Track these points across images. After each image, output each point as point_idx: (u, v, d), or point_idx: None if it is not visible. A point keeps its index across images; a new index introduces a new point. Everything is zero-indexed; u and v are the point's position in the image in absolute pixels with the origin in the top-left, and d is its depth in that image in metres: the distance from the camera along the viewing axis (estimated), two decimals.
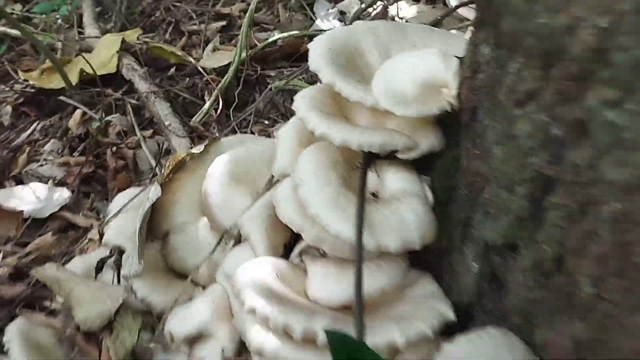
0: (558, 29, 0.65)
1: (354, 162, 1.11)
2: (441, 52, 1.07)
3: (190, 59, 2.14)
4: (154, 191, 1.20)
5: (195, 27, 2.44)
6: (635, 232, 0.71)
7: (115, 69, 2.09)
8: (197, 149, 1.31)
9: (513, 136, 0.82)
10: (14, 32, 2.32)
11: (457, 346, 0.92)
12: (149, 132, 1.90)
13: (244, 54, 1.98)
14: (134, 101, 2.01)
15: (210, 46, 2.26)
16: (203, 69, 2.10)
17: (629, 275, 0.75)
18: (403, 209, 1.02)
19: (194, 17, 2.52)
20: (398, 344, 0.95)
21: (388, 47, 1.22)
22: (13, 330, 1.16)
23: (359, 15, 2.06)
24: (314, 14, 2.46)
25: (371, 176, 1.13)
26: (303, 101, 1.10)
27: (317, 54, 1.14)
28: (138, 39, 2.21)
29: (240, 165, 1.24)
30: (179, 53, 2.18)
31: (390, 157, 1.10)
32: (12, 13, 2.53)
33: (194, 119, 1.89)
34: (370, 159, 1.11)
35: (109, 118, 1.92)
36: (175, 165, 1.28)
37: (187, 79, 2.12)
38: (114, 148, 1.81)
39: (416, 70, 1.06)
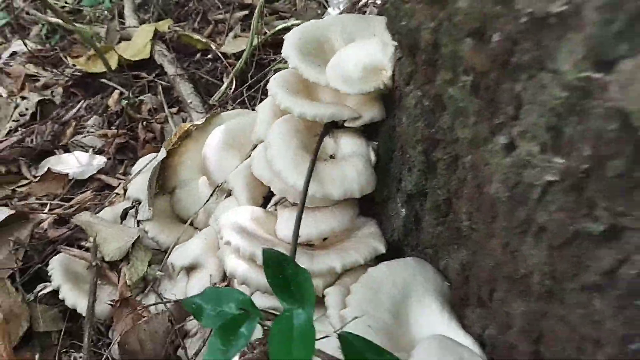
0: (412, 29, 0.91)
1: (316, 131, 1.39)
2: (382, 41, 1.32)
3: (213, 45, 2.44)
4: (161, 153, 1.51)
5: (220, 17, 2.74)
6: (481, 176, 0.97)
7: (148, 55, 2.41)
8: (200, 121, 1.62)
9: (407, 107, 1.08)
10: (68, 24, 2.68)
11: (378, 269, 1.20)
12: (175, 109, 2.22)
13: (256, 41, 2.27)
14: (164, 83, 2.33)
15: (231, 34, 2.56)
16: (223, 54, 2.40)
17: (483, 209, 1.00)
18: (346, 166, 1.29)
19: (221, 7, 2.82)
20: (336, 269, 1.23)
21: (353, 36, 1.47)
22: (55, 262, 1.50)
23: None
24: (327, 2, 2.71)
25: (330, 142, 1.41)
26: (275, 81, 1.38)
27: (289, 43, 1.41)
28: (169, 28, 2.53)
29: (232, 134, 1.53)
30: (204, 40, 2.48)
31: (343, 126, 1.37)
32: (64, 6, 2.89)
33: (212, 97, 2.20)
34: (329, 129, 1.38)
35: (141, 97, 2.25)
36: (182, 134, 1.59)
37: (210, 63, 2.43)
38: (145, 122, 2.13)
39: (360, 56, 1.32)
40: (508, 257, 0.99)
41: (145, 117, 2.18)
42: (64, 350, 1.45)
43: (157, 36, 2.48)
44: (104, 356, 1.38)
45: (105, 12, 2.82)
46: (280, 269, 0.99)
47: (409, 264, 1.22)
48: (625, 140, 0.72)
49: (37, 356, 1.42)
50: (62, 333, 1.46)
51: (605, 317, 0.90)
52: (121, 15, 2.79)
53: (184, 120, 2.18)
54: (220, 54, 2.39)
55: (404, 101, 1.11)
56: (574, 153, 0.78)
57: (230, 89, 2.20)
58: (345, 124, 1.34)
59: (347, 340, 0.93)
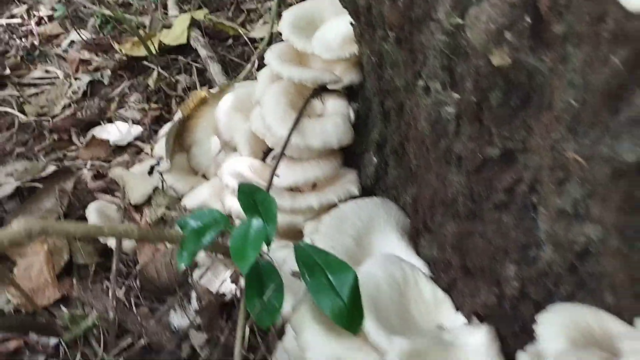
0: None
1: (306, 94, 1.61)
2: None
3: (241, 31, 2.70)
4: (177, 115, 1.77)
5: (253, 6, 3.01)
6: (416, 117, 1.17)
7: (185, 40, 2.69)
8: (214, 90, 1.87)
9: (364, 65, 1.29)
10: (118, 15, 3.01)
11: (347, 204, 1.41)
12: (205, 88, 2.49)
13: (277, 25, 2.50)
14: (198, 65, 2.61)
15: (261, 21, 2.82)
16: (252, 39, 2.66)
17: (421, 146, 1.20)
18: (327, 122, 1.51)
19: None
20: (314, 206, 1.45)
21: (340, 11, 1.69)
22: (92, 207, 1.78)
23: None
24: None
25: (318, 104, 1.63)
26: (270, 51, 1.62)
27: (284, 19, 1.64)
28: (205, 17, 2.81)
29: (240, 99, 1.78)
30: (235, 27, 2.75)
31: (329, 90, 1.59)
32: (117, 0, 3.23)
33: (238, 76, 2.45)
34: (317, 92, 1.60)
35: (177, 77, 2.53)
36: (199, 101, 1.84)
37: (240, 47, 2.69)
38: (178, 99, 2.41)
39: (340, 28, 1.53)
40: (440, 185, 1.19)
41: (179, 94, 2.45)
42: (97, 279, 1.73)
43: (194, 24, 2.76)
44: (127, 282, 1.65)
45: (152, 3, 3.12)
46: (252, 195, 1.22)
47: (375, 202, 1.42)
48: (494, 73, 0.92)
49: (74, 282, 1.71)
50: (95, 265, 1.74)
51: (509, 228, 1.09)
52: (165, 6, 3.09)
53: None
54: (248, 39, 2.65)
55: (362, 61, 1.32)
56: (464, 88, 0.98)
57: (254, 67, 2.44)
58: (328, 87, 1.56)
59: (300, 247, 1.15)
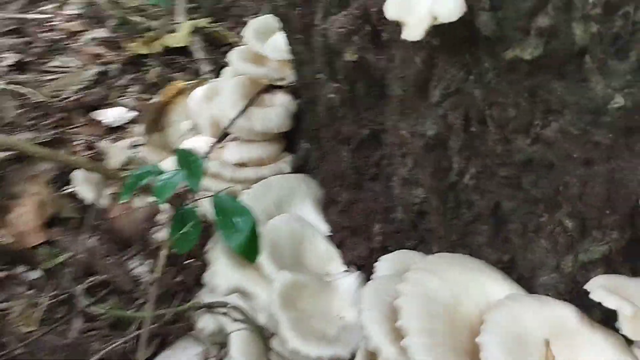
0: (272, 6, 1.46)
1: (259, 88, 1.94)
2: None
3: (235, 39, 3.05)
4: (155, 100, 2.12)
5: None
6: (317, 106, 1.48)
7: (186, 43, 3.06)
8: (189, 83, 2.22)
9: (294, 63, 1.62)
10: (133, 18, 3.41)
11: (275, 177, 1.72)
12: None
13: None
14: (193, 66, 2.97)
15: None
16: None
17: (324, 130, 1.51)
18: (271, 111, 1.84)
19: (258, 13, 3.44)
20: (251, 178, 1.77)
21: None
22: (77, 172, 2.13)
23: None
24: None
25: (270, 97, 1.95)
26: (234, 51, 1.96)
27: (249, 27, 1.99)
28: (206, 25, 3.17)
29: (209, 90, 2.11)
30: (232, 35, 3.11)
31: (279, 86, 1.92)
32: (134, 5, 3.63)
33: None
34: (269, 87, 1.93)
35: (173, 74, 2.89)
36: (178, 90, 2.19)
37: None
38: None
39: None
40: (337, 162, 1.50)
41: None
42: (76, 230, 2.06)
43: (196, 30, 3.13)
44: (98, 233, 1.99)
45: (164, 10, 3.50)
46: (186, 157, 1.55)
47: (298, 177, 1.74)
48: (356, 68, 1.23)
49: (56, 230, 2.05)
50: (76, 219, 2.08)
51: (379, 195, 1.40)
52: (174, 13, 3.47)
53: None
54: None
55: None
56: (339, 79, 1.30)
57: None
58: (278, 83, 1.89)
59: (218, 196, 1.47)
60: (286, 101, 1.88)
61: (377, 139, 1.34)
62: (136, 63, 3.07)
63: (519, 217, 1.07)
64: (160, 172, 1.49)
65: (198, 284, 1.65)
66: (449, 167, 1.14)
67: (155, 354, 1.58)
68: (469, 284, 1.08)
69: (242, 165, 1.88)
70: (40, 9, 3.81)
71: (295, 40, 1.45)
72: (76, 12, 3.73)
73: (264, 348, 1.36)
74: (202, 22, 3.20)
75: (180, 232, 1.43)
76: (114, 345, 1.57)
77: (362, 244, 1.45)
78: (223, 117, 1.85)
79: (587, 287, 0.96)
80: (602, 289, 0.94)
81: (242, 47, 1.99)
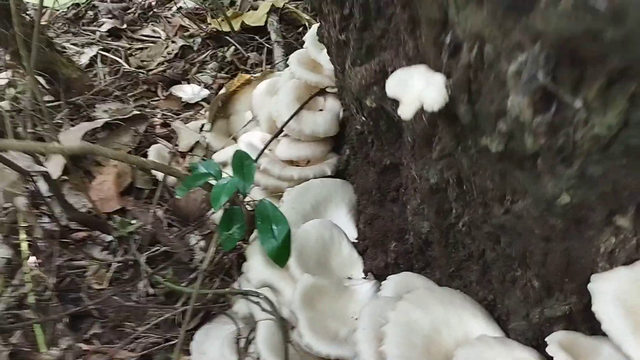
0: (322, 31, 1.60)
1: (312, 92, 2.10)
2: None
3: (310, 20, 3.19)
4: (222, 91, 2.33)
5: None
6: (352, 126, 1.63)
7: (263, 23, 3.24)
8: (256, 75, 2.40)
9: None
10: None
11: (314, 180, 1.90)
12: (269, 67, 3.03)
13: None
14: (268, 46, 3.15)
15: None
16: None
17: (357, 148, 1.67)
18: (319, 116, 2.00)
19: None
20: (294, 177, 1.96)
21: None
22: (153, 148, 2.39)
23: None
24: None
25: (321, 100, 2.11)
26: (293, 56, 2.12)
27: (309, 33, 2.12)
28: (284, 6, 3.33)
29: (271, 85, 2.29)
30: (307, 17, 3.25)
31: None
32: None
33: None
34: (322, 92, 2.09)
35: (249, 54, 3.09)
36: (245, 81, 2.39)
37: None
38: (245, 72, 2.97)
39: None
40: (365, 179, 1.66)
41: (246, 69, 3.01)
42: (147, 201, 2.35)
43: (274, 10, 3.29)
44: (165, 207, 2.26)
45: None
46: (241, 160, 1.75)
47: (337, 182, 1.91)
48: (378, 109, 1.37)
49: (131, 200, 2.34)
50: (149, 190, 2.36)
51: (396, 217, 1.55)
52: None
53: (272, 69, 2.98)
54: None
55: None
56: (365, 114, 1.44)
57: None
58: (328, 90, 2.05)
59: (262, 203, 1.68)
60: (335, 107, 2.03)
61: (396, 169, 1.48)
62: (216, 38, 3.29)
63: (498, 267, 1.20)
64: (219, 174, 1.70)
65: (240, 268, 1.89)
66: (450, 209, 1.28)
67: (198, 325, 1.84)
68: (451, 318, 1.23)
69: (290, 162, 2.07)
70: None
71: (335, 69, 1.60)
72: None
73: (284, 338, 1.58)
74: (279, 1, 3.34)
75: (228, 232, 1.64)
76: (167, 315, 1.85)
77: (380, 256, 1.62)
78: (278, 116, 2.03)
79: (547, 339, 1.09)
80: (556, 344, 1.07)
81: (302, 50, 2.14)
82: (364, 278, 1.66)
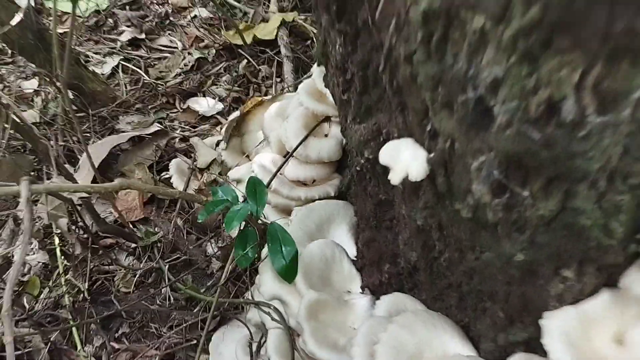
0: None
1: (319, 119, 2.33)
2: None
3: (315, 33, 3.40)
4: (236, 113, 2.56)
5: None
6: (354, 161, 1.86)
7: (274, 36, 3.44)
8: (268, 97, 2.63)
9: None
10: (231, 1, 3.80)
11: (318, 202, 2.14)
12: (279, 80, 3.25)
13: None
14: (278, 59, 3.36)
15: None
16: None
17: (357, 179, 1.90)
18: (324, 142, 2.23)
19: None
20: (301, 198, 2.20)
21: None
22: (173, 162, 2.63)
23: None
24: None
25: (327, 127, 2.34)
26: (302, 86, 2.34)
27: (315, 66, 2.35)
28: (293, 19, 3.53)
29: (282, 108, 2.52)
30: (314, 30, 3.45)
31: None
32: None
33: (304, 76, 3.18)
34: (327, 119, 2.32)
35: (260, 67, 3.30)
36: (257, 103, 2.61)
37: (314, 50, 3.40)
38: (256, 85, 3.19)
39: None
40: (363, 206, 1.90)
41: (258, 81, 3.23)
42: (168, 211, 2.59)
43: (284, 23, 3.50)
44: (185, 218, 2.50)
45: None
46: (254, 186, 1.99)
47: (338, 203, 2.15)
48: (373, 160, 1.61)
49: (153, 210, 2.58)
50: (169, 201, 2.61)
51: (389, 242, 1.79)
52: (268, 2, 3.84)
53: (282, 88, 3.21)
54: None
55: None
56: (364, 158, 1.67)
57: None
58: (332, 119, 2.27)
59: (272, 225, 1.92)
60: (339, 134, 2.26)
61: (391, 204, 1.72)
62: (230, 50, 3.50)
63: (472, 298, 1.44)
64: (236, 200, 1.94)
65: (252, 276, 2.14)
66: (434, 246, 1.51)
67: (215, 328, 2.10)
68: (433, 339, 1.48)
69: (298, 182, 2.31)
70: None
71: (339, 114, 1.83)
72: None
73: (291, 345, 1.83)
74: (290, 16, 3.55)
75: (243, 251, 1.89)
76: (190, 321, 2.11)
77: (376, 274, 1.86)
78: (287, 141, 2.26)
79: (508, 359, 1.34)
80: None
81: (309, 80, 2.36)
82: (362, 293, 1.91)
